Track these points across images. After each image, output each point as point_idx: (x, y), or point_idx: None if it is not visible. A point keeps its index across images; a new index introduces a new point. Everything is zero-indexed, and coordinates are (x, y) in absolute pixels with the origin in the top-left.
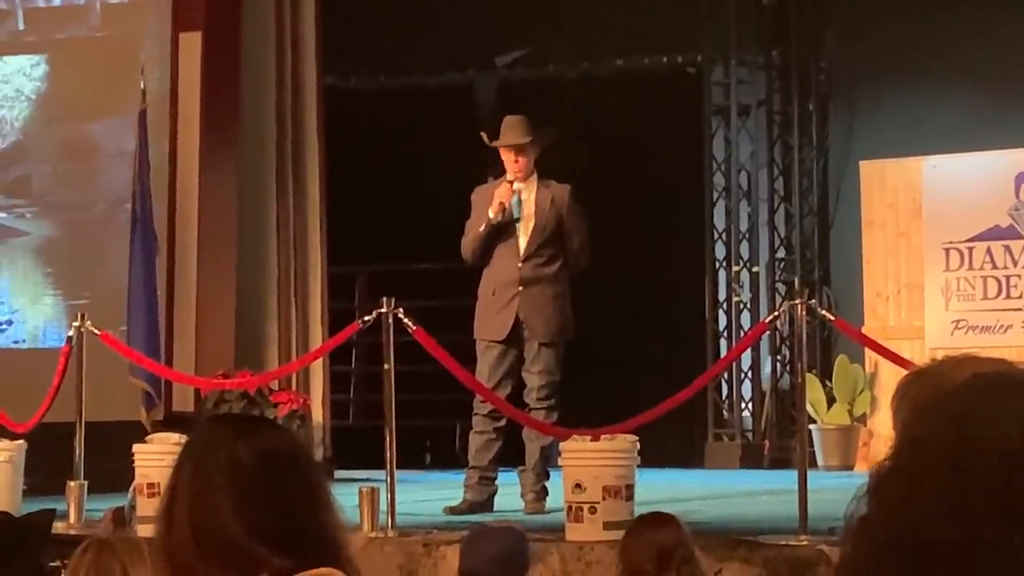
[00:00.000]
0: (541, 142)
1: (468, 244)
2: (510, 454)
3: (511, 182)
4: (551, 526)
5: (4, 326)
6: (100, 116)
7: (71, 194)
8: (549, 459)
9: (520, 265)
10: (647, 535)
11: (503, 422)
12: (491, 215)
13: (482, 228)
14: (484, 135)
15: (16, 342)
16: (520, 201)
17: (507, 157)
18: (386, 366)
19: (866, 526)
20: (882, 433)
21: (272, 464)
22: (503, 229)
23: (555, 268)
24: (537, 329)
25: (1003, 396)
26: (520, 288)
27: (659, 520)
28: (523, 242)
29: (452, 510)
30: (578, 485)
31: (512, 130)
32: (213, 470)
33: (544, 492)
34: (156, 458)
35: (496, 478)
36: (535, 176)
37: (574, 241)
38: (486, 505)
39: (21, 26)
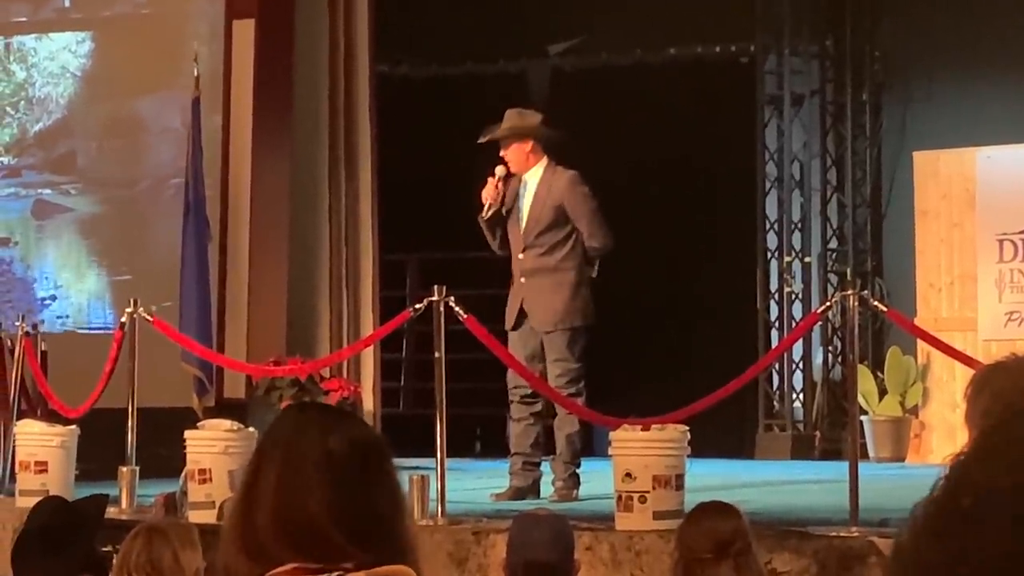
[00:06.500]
0: (525, 134)
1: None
2: (549, 443)
3: (497, 178)
4: (601, 515)
5: (48, 301)
6: (145, 93)
7: (116, 170)
8: (577, 447)
9: (520, 256)
10: (706, 523)
11: (539, 407)
12: (484, 212)
13: (481, 223)
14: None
15: (60, 318)
16: (524, 192)
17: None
18: (436, 354)
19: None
20: (934, 424)
21: (362, 456)
22: (508, 220)
23: (558, 257)
24: (538, 318)
25: None
26: (523, 279)
27: (720, 509)
28: (522, 233)
29: (498, 496)
30: (628, 474)
31: (503, 122)
32: (304, 458)
33: (574, 480)
34: (207, 444)
35: (540, 463)
36: (542, 166)
37: (582, 226)
38: (532, 490)
39: (67, 3)
